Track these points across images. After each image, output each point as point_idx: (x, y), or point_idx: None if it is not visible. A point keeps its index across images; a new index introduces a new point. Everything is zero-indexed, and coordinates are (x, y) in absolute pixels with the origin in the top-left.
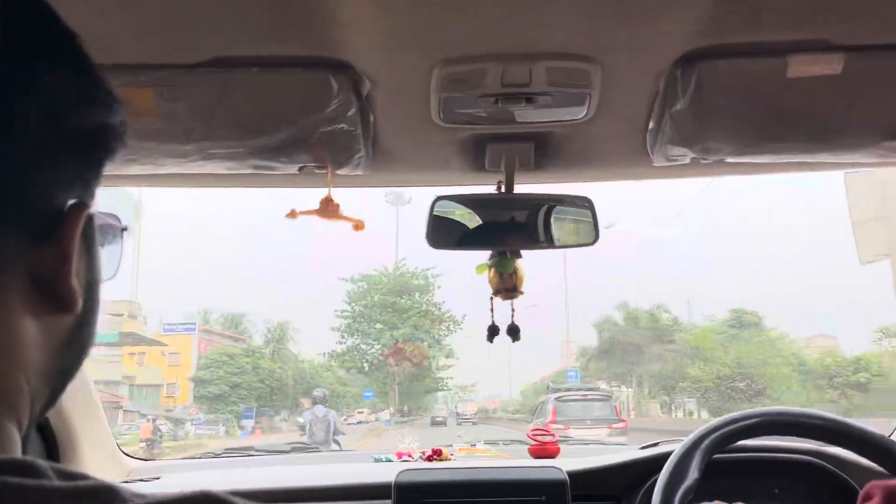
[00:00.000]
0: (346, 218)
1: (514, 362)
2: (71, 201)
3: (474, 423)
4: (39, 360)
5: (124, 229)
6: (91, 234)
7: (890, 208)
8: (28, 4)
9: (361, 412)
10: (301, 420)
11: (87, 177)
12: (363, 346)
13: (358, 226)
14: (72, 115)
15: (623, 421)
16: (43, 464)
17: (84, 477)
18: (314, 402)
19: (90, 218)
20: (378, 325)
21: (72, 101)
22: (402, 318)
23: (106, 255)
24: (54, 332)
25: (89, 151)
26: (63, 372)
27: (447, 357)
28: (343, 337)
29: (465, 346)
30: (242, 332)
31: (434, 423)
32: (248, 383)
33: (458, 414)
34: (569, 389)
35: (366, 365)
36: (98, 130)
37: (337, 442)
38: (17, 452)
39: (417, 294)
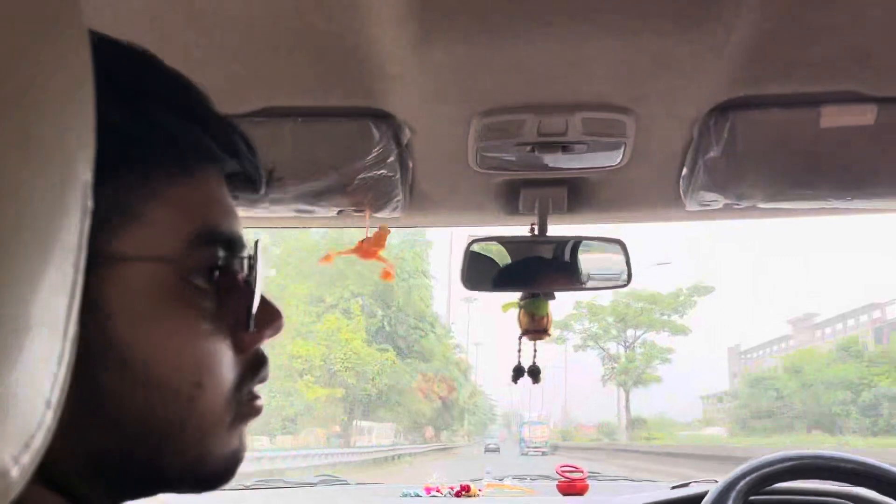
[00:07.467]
0: (382, 259)
1: None
2: None
3: (544, 454)
4: None
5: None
6: None
7: None
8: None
9: None
10: None
11: None
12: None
13: (387, 274)
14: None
15: None
16: None
17: None
18: None
19: None
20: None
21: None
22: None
23: None
24: None
25: None
26: None
27: None
28: None
29: None
30: None
31: (488, 449)
32: None
33: (522, 440)
34: None
35: None
36: None
37: None
38: None
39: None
